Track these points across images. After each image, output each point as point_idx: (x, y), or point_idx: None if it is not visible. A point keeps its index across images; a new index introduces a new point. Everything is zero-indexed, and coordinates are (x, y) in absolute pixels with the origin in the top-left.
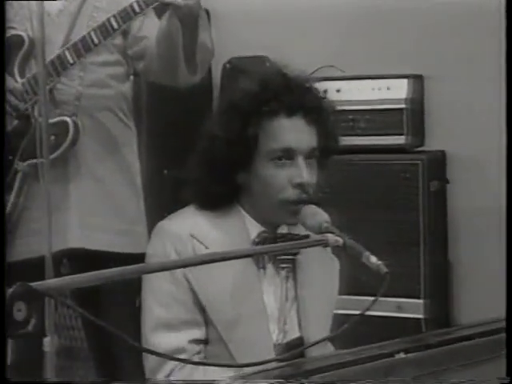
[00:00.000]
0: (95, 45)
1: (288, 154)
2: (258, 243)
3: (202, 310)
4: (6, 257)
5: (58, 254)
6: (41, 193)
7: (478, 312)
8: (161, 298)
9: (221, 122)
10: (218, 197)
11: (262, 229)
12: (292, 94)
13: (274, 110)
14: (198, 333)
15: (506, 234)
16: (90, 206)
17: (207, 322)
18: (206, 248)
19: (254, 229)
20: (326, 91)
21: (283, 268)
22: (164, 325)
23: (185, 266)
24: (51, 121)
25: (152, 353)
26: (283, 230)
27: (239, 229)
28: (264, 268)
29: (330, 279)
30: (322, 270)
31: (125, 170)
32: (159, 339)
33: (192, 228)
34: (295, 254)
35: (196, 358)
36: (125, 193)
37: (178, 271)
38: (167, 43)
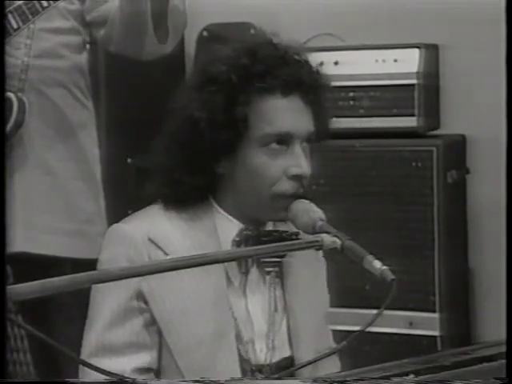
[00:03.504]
0: (43, 8)
1: (284, 140)
2: (239, 243)
3: (157, 331)
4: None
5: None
6: None
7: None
8: (105, 314)
9: (200, 100)
10: (191, 190)
11: (243, 226)
12: (288, 69)
13: (269, 87)
14: (146, 359)
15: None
16: (37, 201)
17: (160, 346)
18: (166, 255)
19: (233, 228)
20: (321, 64)
21: (268, 272)
22: (104, 348)
23: (147, 273)
24: None
25: (107, 374)
26: (268, 227)
27: (208, 233)
28: (247, 273)
29: (319, 284)
30: (310, 274)
31: (81, 158)
32: (96, 365)
33: (150, 230)
34: (283, 256)
35: None
36: (80, 186)
37: (132, 282)
38: (133, 6)
